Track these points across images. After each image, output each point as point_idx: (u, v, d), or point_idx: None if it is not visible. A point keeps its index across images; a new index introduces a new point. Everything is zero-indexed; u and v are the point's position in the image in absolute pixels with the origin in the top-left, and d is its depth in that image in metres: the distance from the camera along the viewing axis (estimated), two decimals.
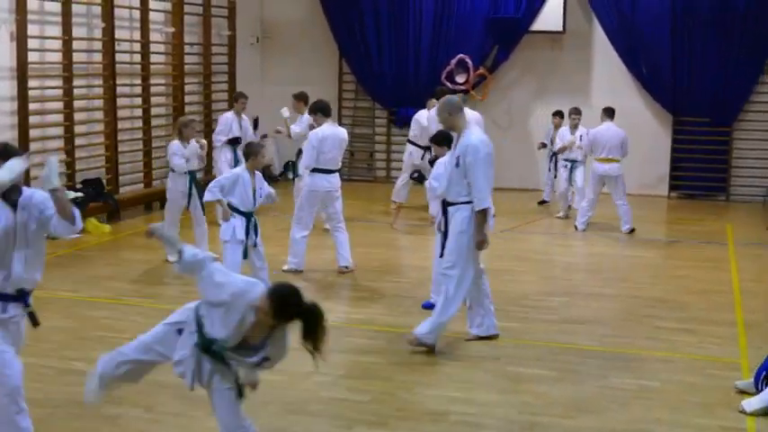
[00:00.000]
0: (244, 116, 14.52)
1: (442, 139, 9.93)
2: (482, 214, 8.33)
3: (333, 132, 11.37)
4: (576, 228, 14.48)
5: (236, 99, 14.76)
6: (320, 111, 11.46)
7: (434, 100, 14.20)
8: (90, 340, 8.57)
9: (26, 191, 5.76)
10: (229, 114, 14.48)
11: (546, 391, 7.50)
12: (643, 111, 17.70)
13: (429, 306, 9.51)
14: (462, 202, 8.39)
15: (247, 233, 9.66)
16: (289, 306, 5.39)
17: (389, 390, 7.51)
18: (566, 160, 15.22)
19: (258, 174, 9.85)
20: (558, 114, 16.31)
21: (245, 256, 9.72)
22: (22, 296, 5.79)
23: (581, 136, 14.99)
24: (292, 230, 11.41)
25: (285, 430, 6.71)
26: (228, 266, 9.81)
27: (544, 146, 16.52)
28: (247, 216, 9.66)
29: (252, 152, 9.81)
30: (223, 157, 14.27)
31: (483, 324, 8.85)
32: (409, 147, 15.37)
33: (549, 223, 15.09)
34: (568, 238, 14.11)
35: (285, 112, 13.76)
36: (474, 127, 8.57)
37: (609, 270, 12.16)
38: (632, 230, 14.20)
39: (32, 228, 5.72)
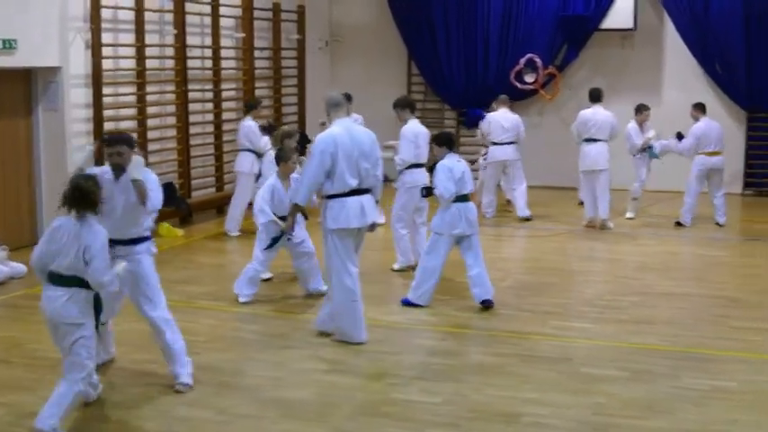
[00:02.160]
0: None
1: (444, 140, 9.95)
2: (294, 207, 8.78)
3: (420, 127, 11.62)
4: (681, 224, 14.47)
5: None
6: (408, 106, 11.73)
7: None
8: None
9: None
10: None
11: (619, 392, 7.43)
12: (716, 108, 17.35)
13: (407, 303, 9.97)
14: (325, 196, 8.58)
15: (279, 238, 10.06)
16: None
17: (461, 391, 7.49)
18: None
19: (294, 176, 10.04)
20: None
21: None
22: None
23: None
24: (396, 229, 11.57)
25: None
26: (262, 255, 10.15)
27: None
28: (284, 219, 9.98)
29: (282, 158, 10.19)
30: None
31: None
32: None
33: (618, 223, 14.88)
34: (639, 237, 13.92)
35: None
36: (338, 123, 8.60)
37: (682, 269, 11.99)
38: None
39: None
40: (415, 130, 11.45)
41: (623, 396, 7.35)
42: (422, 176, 11.22)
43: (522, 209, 15.10)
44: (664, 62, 18.08)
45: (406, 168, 11.36)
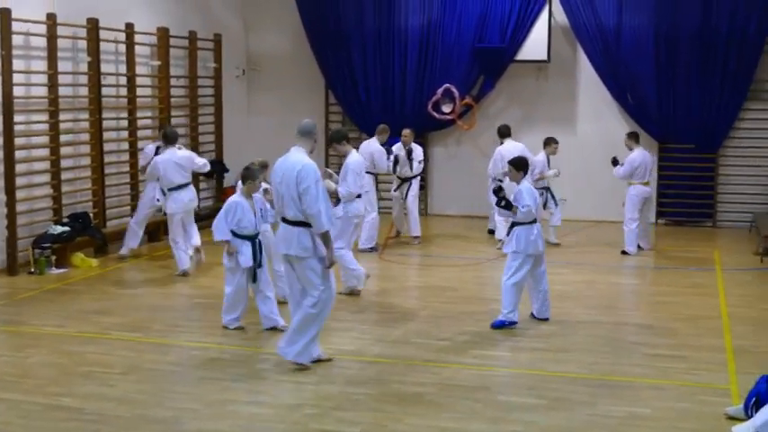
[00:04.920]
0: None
1: (521, 165, 10.34)
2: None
3: (360, 157, 11.98)
4: (627, 252, 14.77)
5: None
6: (345, 138, 11.83)
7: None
8: (77, 376, 8.51)
9: None
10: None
11: (536, 420, 7.47)
12: None
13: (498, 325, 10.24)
14: None
15: (255, 256, 10.02)
16: None
17: (379, 421, 7.46)
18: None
19: (257, 195, 10.20)
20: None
21: (254, 279, 10.09)
22: None
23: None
24: (346, 255, 11.67)
25: None
26: (233, 291, 9.84)
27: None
28: (252, 239, 10.03)
29: (248, 176, 10.11)
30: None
31: None
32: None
33: None
34: (554, 266, 14.06)
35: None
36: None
37: (597, 297, 12.14)
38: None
39: None
40: (360, 162, 11.70)
41: (541, 424, 7.39)
42: (361, 205, 11.79)
43: (362, 241, 14.62)
44: (578, 93, 18.38)
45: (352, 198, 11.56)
